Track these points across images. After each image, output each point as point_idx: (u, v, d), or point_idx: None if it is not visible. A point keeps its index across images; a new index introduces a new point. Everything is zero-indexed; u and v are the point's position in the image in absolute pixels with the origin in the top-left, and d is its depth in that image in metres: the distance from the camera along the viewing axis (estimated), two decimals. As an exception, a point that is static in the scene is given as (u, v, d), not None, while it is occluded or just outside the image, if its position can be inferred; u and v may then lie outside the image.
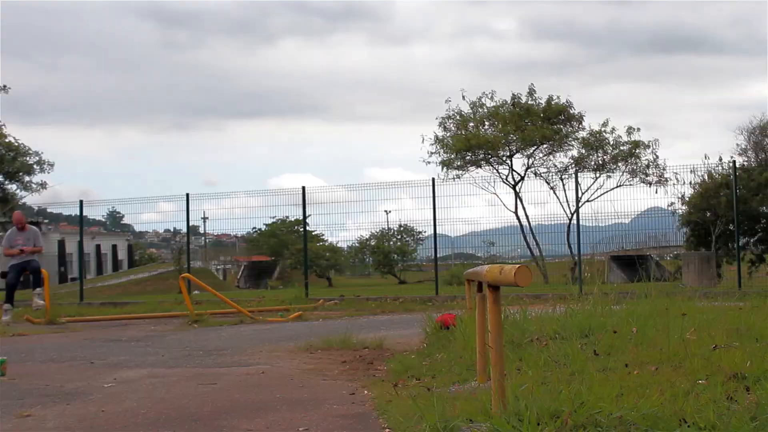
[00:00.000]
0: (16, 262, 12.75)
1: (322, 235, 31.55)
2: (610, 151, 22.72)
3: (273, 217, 35.77)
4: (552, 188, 22.71)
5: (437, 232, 17.45)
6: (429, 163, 23.93)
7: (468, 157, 22.85)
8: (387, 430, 4.03)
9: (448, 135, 23.29)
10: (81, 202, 19.18)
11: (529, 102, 23.09)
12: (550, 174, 22.98)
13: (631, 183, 22.15)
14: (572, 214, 21.18)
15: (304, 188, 17.99)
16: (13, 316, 12.46)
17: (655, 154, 22.34)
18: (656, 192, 22.29)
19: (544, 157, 23.30)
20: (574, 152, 23.19)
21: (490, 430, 3.35)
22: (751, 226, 20.97)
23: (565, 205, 22.32)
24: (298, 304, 14.38)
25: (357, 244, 32.10)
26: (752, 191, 20.10)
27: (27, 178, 25.54)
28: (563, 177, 22.76)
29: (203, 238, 34.94)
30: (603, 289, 7.97)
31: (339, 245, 31.49)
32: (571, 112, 22.99)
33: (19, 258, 12.74)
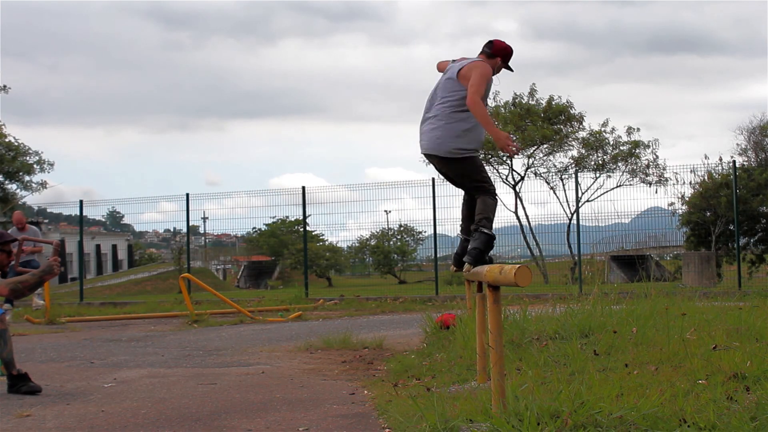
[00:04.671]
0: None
1: (322, 235, 31.57)
2: (610, 151, 22.74)
3: (273, 217, 35.84)
4: (552, 188, 22.74)
5: (437, 232, 17.45)
6: (429, 163, 23.98)
7: (468, 157, 22.85)
8: (387, 430, 4.03)
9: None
10: (81, 202, 19.16)
11: (530, 102, 23.11)
12: (550, 174, 23.01)
13: (631, 183, 22.18)
14: (572, 214, 21.19)
15: (304, 188, 17.99)
16: (13, 316, 12.45)
17: (655, 154, 22.38)
18: (656, 192, 22.34)
19: (544, 157, 23.32)
20: (574, 152, 23.23)
21: (490, 430, 3.35)
22: (751, 226, 20.97)
23: (565, 205, 22.35)
24: (298, 304, 14.37)
25: (357, 244, 32.12)
26: (752, 191, 20.11)
27: (27, 178, 25.52)
28: (563, 177, 22.79)
29: (203, 238, 34.92)
30: (603, 289, 7.97)
31: (339, 245, 31.52)
32: (572, 112, 23.01)
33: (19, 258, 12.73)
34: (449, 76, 5.27)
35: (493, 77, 5.32)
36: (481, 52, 5.37)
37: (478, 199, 5.23)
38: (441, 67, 5.66)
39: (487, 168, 24.94)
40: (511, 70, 5.47)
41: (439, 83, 5.39)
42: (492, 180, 5.45)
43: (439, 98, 5.27)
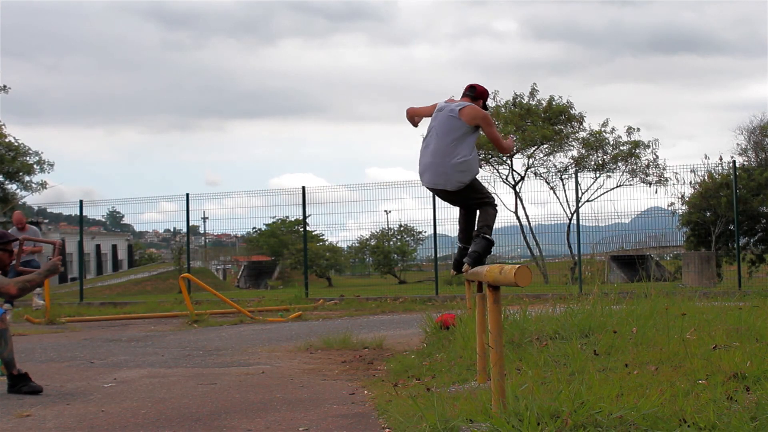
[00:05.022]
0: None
1: (322, 235, 31.57)
2: (610, 151, 22.73)
3: (273, 217, 35.84)
4: (552, 188, 22.73)
5: (437, 231, 17.45)
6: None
7: (468, 157, 22.82)
8: (387, 430, 4.03)
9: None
10: (81, 202, 19.16)
11: (531, 102, 23.09)
12: (550, 174, 23.00)
13: (631, 183, 22.17)
14: (572, 214, 21.18)
15: (304, 188, 17.98)
16: (13, 316, 12.45)
17: (654, 154, 22.37)
18: (656, 192, 22.32)
19: (545, 158, 23.31)
20: (574, 152, 23.21)
21: (490, 430, 3.35)
22: (751, 226, 20.97)
23: (565, 205, 22.34)
24: (298, 304, 14.37)
25: (357, 244, 32.11)
26: (752, 191, 20.11)
27: (27, 178, 25.49)
28: (563, 177, 22.77)
29: (203, 238, 34.92)
30: (603, 289, 7.97)
31: (339, 245, 31.52)
32: (572, 112, 22.98)
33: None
34: (450, 114, 5.77)
35: None
36: (465, 95, 6.04)
37: (480, 210, 5.88)
38: (412, 111, 6.25)
39: (487, 168, 24.56)
40: (486, 109, 6.06)
41: (435, 123, 5.88)
42: (491, 193, 6.11)
43: (441, 135, 5.75)
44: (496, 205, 5.97)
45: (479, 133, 5.92)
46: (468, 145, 5.74)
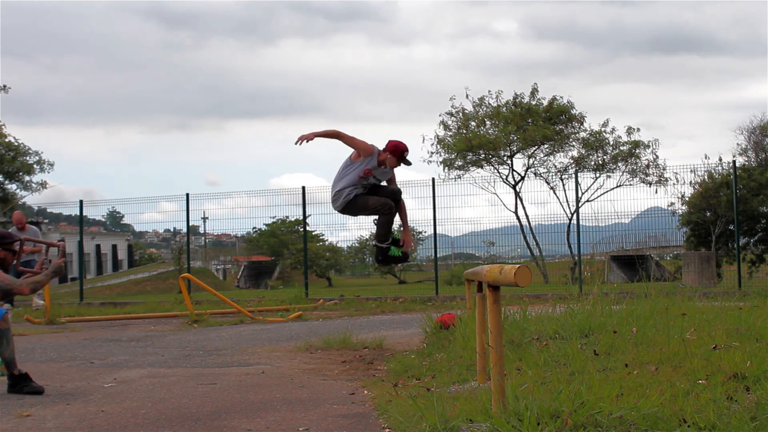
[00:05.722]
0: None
1: (322, 235, 31.57)
2: (610, 151, 22.72)
3: (273, 217, 35.82)
4: (552, 188, 22.71)
5: (437, 231, 17.44)
6: (430, 162, 23.97)
7: (469, 157, 22.84)
8: (387, 430, 4.03)
9: (449, 134, 23.29)
10: (81, 202, 19.16)
11: (531, 102, 23.08)
12: (550, 174, 22.98)
13: (631, 183, 22.15)
14: (572, 214, 21.18)
15: (304, 188, 17.98)
16: (13, 316, 12.43)
17: (654, 154, 22.35)
18: (656, 192, 22.29)
19: (545, 158, 23.30)
20: (575, 152, 23.19)
21: (490, 430, 3.35)
22: (751, 226, 20.96)
23: (565, 205, 22.33)
24: (298, 304, 14.37)
25: (357, 244, 32.11)
26: (752, 191, 20.10)
27: (27, 178, 25.47)
28: (563, 177, 22.76)
29: (203, 238, 34.90)
30: (603, 289, 7.97)
31: (339, 245, 31.52)
32: (573, 112, 22.96)
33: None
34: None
35: (389, 166, 6.51)
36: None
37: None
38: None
39: (487, 168, 24.72)
40: (409, 164, 6.57)
41: None
42: (383, 203, 6.63)
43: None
44: (387, 213, 6.56)
45: (358, 165, 6.42)
46: (343, 179, 6.48)
